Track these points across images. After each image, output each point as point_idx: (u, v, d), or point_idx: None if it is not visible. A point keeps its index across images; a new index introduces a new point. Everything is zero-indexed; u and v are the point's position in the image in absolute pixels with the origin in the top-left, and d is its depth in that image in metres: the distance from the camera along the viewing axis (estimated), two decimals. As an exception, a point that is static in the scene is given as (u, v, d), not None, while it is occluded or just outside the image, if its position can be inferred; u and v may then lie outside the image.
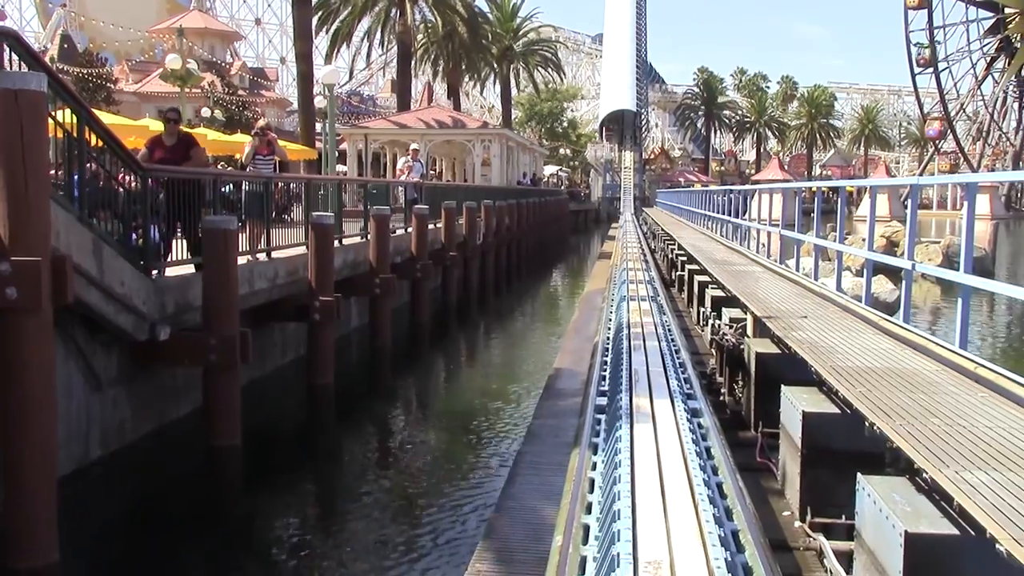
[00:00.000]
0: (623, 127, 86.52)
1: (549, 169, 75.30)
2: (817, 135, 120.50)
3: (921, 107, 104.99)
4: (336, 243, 14.43)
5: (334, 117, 22.23)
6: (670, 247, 23.00)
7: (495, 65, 62.62)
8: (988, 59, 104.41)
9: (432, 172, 47.29)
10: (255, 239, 12.33)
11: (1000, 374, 5.86)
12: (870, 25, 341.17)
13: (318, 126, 35.24)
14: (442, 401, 14.13)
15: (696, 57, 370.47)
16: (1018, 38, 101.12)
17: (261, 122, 17.25)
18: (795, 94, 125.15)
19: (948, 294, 23.03)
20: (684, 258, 18.89)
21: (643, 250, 25.89)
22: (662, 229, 30.37)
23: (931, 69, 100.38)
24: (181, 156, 11.26)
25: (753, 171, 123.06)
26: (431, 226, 20.37)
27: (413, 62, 55.09)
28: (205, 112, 45.39)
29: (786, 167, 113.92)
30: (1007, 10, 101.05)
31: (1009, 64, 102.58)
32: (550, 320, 22.53)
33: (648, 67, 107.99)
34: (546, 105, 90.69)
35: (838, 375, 6.21)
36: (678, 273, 19.50)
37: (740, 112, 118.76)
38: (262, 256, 12.35)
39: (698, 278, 15.39)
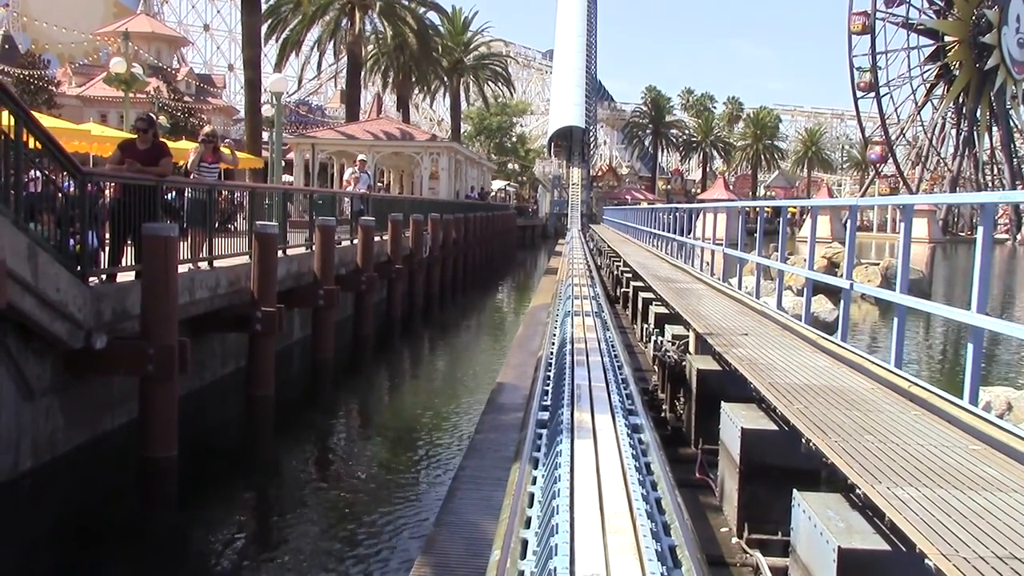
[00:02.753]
0: (571, 143, 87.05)
1: (497, 184, 75.49)
2: (762, 156, 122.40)
3: (863, 131, 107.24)
4: (280, 253, 14.29)
5: (281, 126, 22.03)
6: (615, 264, 23.17)
7: (445, 78, 62.63)
8: (928, 86, 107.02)
9: (380, 184, 47.12)
10: (197, 247, 12.15)
11: (933, 392, 5.97)
12: (814, 49, 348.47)
13: (264, 135, 34.96)
14: (384, 414, 14.03)
15: (644, 76, 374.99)
16: (956, 66, 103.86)
17: (207, 128, 17.03)
18: (741, 115, 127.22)
19: (886, 314, 23.52)
20: (629, 275, 19.04)
21: (589, 266, 26.02)
22: (608, 246, 30.57)
23: (873, 94, 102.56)
24: (150, 163, 11.08)
25: (699, 190, 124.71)
26: (377, 238, 20.28)
27: (363, 73, 54.94)
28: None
29: (731, 187, 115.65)
30: (947, 38, 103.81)
31: (948, 91, 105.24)
32: (495, 335, 22.51)
33: (597, 84, 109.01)
34: (495, 119, 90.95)
35: (776, 392, 6.29)
36: (623, 290, 19.63)
37: (687, 131, 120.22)
38: (204, 265, 12.17)
39: (642, 295, 15.49)
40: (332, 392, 15.18)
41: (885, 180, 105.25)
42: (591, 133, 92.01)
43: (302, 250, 16.35)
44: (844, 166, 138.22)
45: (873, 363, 7.15)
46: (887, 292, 7.99)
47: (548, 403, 8.24)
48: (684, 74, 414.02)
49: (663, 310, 12.75)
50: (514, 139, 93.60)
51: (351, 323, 18.76)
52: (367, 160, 22.01)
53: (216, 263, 12.49)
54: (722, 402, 6.98)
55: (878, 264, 33.10)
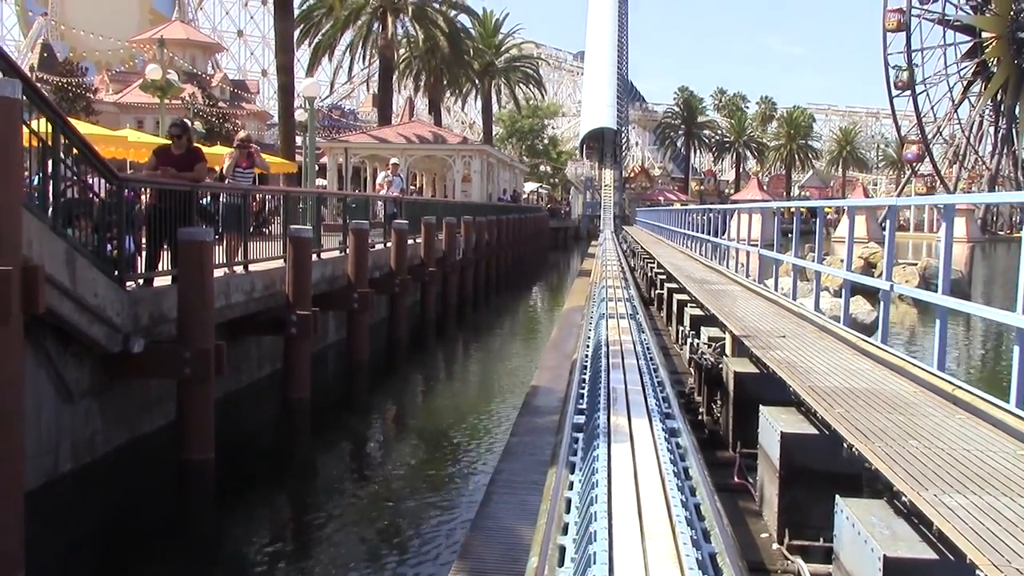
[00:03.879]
0: (603, 145, 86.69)
1: (530, 186, 75.57)
2: (796, 156, 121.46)
3: (899, 129, 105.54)
4: (315, 257, 14.35)
5: (314, 130, 22.18)
6: (649, 265, 23.08)
7: (476, 81, 62.76)
8: (965, 83, 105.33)
9: (412, 187, 47.28)
10: (232, 251, 12.24)
11: (977, 396, 5.86)
12: (849, 47, 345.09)
13: (298, 139, 35.22)
14: (419, 416, 14.03)
15: (676, 76, 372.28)
16: (994, 62, 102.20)
17: (242, 134, 17.17)
18: (774, 115, 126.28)
19: (925, 315, 23.20)
20: (663, 277, 18.94)
21: (622, 268, 25.93)
22: (642, 247, 30.46)
23: (909, 92, 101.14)
24: (185, 168, 11.17)
25: (732, 191, 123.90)
26: (410, 241, 20.33)
27: (395, 76, 55.23)
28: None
29: (765, 187, 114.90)
30: (984, 34, 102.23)
31: (985, 88, 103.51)
32: (528, 337, 22.48)
33: (629, 85, 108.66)
34: (527, 122, 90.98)
35: (816, 395, 6.20)
36: (657, 292, 19.55)
37: (720, 132, 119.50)
38: (239, 269, 12.25)
39: (677, 296, 15.40)
40: (367, 395, 15.22)
41: (922, 179, 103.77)
42: (623, 134, 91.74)
43: (336, 254, 16.43)
44: (879, 165, 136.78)
45: (915, 366, 7.03)
46: (927, 293, 7.89)
47: (584, 406, 8.19)
48: (716, 73, 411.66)
49: (698, 312, 12.67)
50: (546, 141, 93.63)
51: (386, 326, 18.85)
52: (400, 163, 22.11)
53: (251, 267, 12.57)
54: (760, 406, 6.90)
55: (916, 264, 32.64)
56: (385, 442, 12.75)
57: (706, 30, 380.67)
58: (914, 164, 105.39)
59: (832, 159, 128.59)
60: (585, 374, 10.14)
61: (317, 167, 31.73)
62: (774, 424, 6.34)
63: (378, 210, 20.76)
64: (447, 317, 23.33)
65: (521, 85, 68.82)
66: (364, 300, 15.70)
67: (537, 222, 53.84)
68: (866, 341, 8.40)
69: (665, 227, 35.11)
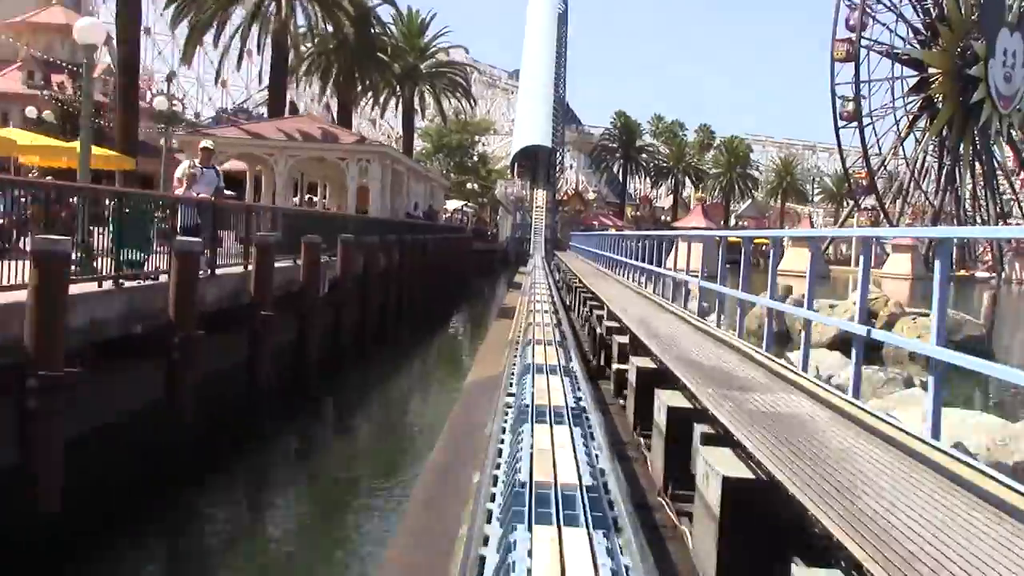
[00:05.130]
0: (537, 164, 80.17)
1: (453, 204, 68.43)
2: (736, 184, 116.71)
3: (844, 161, 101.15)
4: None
5: (90, 94, 14.29)
6: (595, 311, 16.27)
7: (397, 85, 55.78)
8: (911, 117, 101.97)
9: (309, 198, 40.03)
10: None
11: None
12: (782, 81, 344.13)
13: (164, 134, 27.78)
14: None
15: (613, 102, 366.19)
16: (940, 98, 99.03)
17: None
18: (711, 143, 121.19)
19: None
20: (620, 333, 12.28)
21: (556, 309, 19.27)
22: (580, 280, 23.81)
23: (855, 123, 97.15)
24: None
25: (669, 217, 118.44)
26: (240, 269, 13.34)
27: (299, 73, 48.06)
28: (31, 112, 37.71)
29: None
30: (931, 70, 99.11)
31: (931, 124, 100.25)
32: (394, 445, 14.01)
33: (565, 106, 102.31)
34: (455, 137, 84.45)
35: None
36: (617, 366, 12.36)
37: (658, 157, 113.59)
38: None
39: (638, 363, 8.95)
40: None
41: (865, 213, 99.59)
42: (558, 154, 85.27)
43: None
44: (817, 198, 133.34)
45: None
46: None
47: None
48: (654, 104, 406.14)
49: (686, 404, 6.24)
50: (475, 158, 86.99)
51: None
52: (211, 147, 14.51)
53: None
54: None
55: (927, 315, 26.65)
56: None
57: (641, 58, 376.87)
58: (857, 197, 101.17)
59: (771, 190, 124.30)
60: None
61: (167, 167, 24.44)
62: None
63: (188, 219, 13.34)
64: (280, 392, 14.36)
65: (447, 93, 61.54)
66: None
67: (457, 244, 46.96)
68: None
69: (609, 256, 28.42)
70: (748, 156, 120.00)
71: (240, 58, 39.08)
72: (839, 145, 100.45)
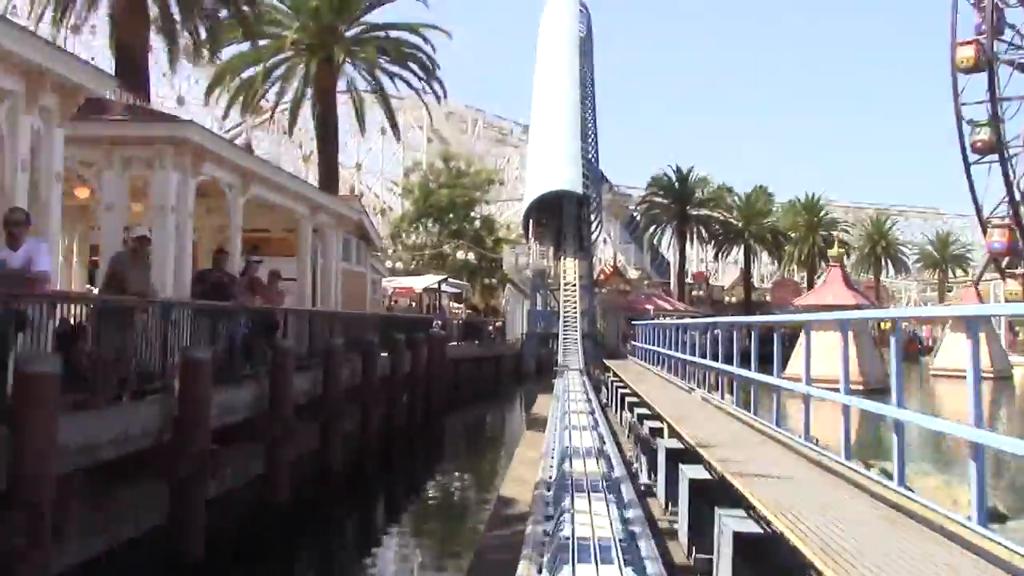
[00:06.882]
0: (562, 221, 53.64)
1: (422, 281, 41.29)
2: (817, 252, 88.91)
3: (978, 206, 73.46)
4: None
5: None
6: None
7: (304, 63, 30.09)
8: (1060, 149, 74.88)
9: None
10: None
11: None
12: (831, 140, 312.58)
13: None
14: None
15: (629, 152, 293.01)
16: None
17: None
18: (770, 207, 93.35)
19: None
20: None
21: None
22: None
23: (994, 155, 70.47)
24: None
25: (731, 298, 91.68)
26: None
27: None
28: None
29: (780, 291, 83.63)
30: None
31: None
32: None
33: (597, 171, 73.53)
34: (446, 192, 59.03)
35: None
36: None
37: (723, 218, 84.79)
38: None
39: None
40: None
41: (1015, 279, 72.11)
42: (593, 202, 57.93)
43: None
44: (917, 266, 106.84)
45: None
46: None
47: None
48: (660, 158, 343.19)
49: None
50: (477, 224, 61.05)
51: None
52: None
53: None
54: None
55: None
56: None
57: (667, 112, 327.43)
58: (1000, 258, 73.61)
59: (862, 257, 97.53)
60: None
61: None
62: None
63: None
64: None
65: (395, 70, 34.22)
66: None
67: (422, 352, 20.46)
68: None
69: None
70: (832, 217, 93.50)
71: None
72: (971, 185, 72.91)
